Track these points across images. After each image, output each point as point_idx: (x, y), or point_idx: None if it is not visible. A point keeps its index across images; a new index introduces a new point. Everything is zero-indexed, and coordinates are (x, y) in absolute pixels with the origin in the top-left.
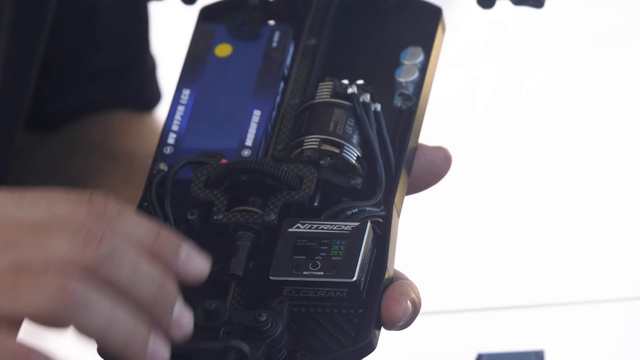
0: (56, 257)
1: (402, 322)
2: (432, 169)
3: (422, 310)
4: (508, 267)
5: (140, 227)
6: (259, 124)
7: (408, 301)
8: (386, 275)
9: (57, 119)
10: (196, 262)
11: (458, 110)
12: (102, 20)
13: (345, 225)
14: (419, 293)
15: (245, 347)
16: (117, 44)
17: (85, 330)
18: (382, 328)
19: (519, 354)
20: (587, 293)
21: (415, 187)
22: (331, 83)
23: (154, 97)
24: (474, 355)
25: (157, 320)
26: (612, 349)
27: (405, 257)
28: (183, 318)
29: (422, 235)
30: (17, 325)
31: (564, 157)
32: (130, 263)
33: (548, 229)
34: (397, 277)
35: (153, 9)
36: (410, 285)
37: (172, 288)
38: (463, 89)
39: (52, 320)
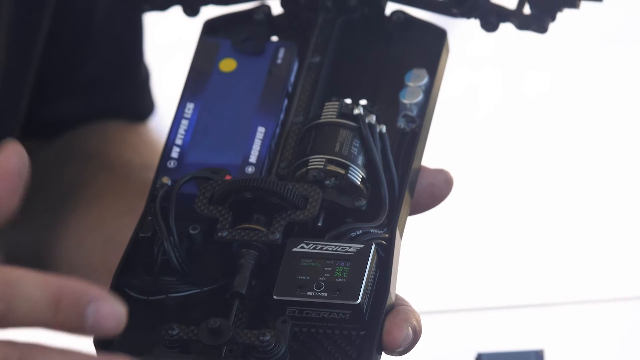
0: None
1: (401, 348)
2: (432, 192)
3: (422, 309)
4: (508, 267)
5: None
6: (263, 140)
7: (409, 328)
8: (388, 298)
9: (51, 128)
10: (106, 318)
11: (463, 112)
12: (96, 30)
13: (350, 247)
14: (420, 320)
15: None
16: (112, 54)
17: None
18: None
19: (518, 353)
20: (586, 293)
21: (415, 209)
22: (337, 103)
23: (148, 107)
24: (474, 355)
25: None
26: (612, 349)
27: (407, 258)
28: None
29: (423, 235)
30: None
31: (566, 158)
32: None
33: (548, 229)
34: (399, 303)
35: (156, 20)
36: (412, 312)
37: None
38: (468, 91)
39: None
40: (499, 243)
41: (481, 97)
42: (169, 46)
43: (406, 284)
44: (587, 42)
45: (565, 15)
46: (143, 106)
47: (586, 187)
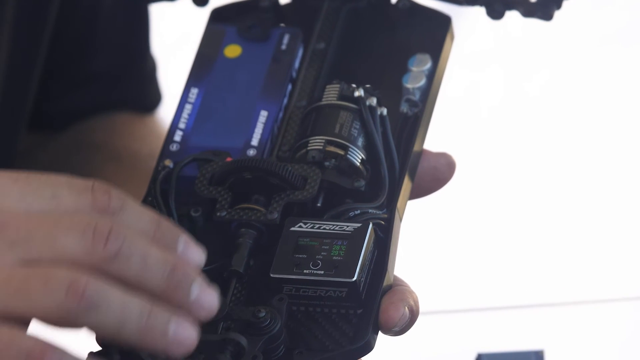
0: (66, 254)
1: (397, 328)
2: (435, 175)
3: (422, 310)
4: (508, 267)
5: (143, 217)
6: (265, 124)
7: (406, 307)
8: (386, 278)
9: (58, 120)
10: (193, 251)
11: (465, 111)
12: (103, 22)
13: (347, 226)
14: (417, 301)
15: (244, 341)
16: (118, 46)
17: (98, 327)
18: (379, 332)
19: (518, 354)
20: (587, 293)
21: (418, 192)
22: (338, 85)
23: (155, 98)
24: (474, 355)
25: (177, 304)
26: (612, 349)
27: (406, 258)
28: (203, 297)
29: (423, 235)
30: (27, 324)
31: (566, 158)
32: (138, 255)
33: (548, 229)
34: (398, 283)
35: (166, 9)
36: (410, 292)
37: (184, 271)
38: (470, 90)
39: (64, 320)
40: (499, 243)
41: (481, 95)
42: (177, 37)
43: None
44: (586, 43)
45: (568, 12)
46: (150, 97)
47: (586, 188)
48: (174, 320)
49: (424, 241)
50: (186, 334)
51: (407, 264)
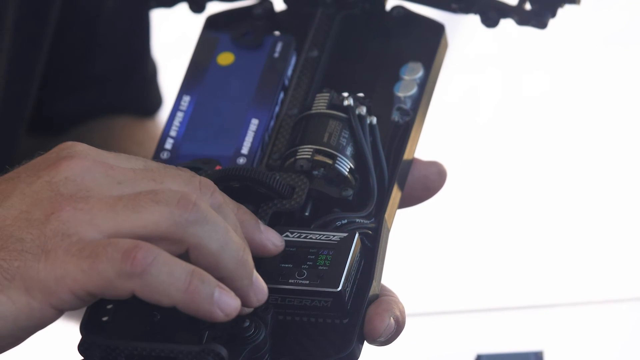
0: (174, 190)
1: (382, 338)
2: (425, 184)
3: (421, 310)
4: (508, 268)
5: (227, 199)
6: (256, 132)
7: (392, 318)
8: (373, 288)
9: (58, 124)
10: (274, 235)
11: (464, 114)
12: (103, 26)
13: (334, 236)
14: (404, 311)
15: (223, 351)
16: (119, 49)
17: (203, 244)
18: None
19: (518, 354)
20: (586, 294)
21: (408, 201)
22: (328, 94)
23: (155, 102)
24: (474, 356)
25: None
26: (611, 350)
27: (406, 258)
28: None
29: (422, 236)
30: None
31: (567, 159)
32: (232, 218)
33: (548, 230)
34: (385, 293)
35: (162, 16)
36: (396, 302)
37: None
38: (469, 93)
39: (173, 233)
40: (498, 244)
41: (482, 98)
42: (175, 44)
43: (406, 285)
44: (587, 44)
45: (566, 15)
46: (150, 101)
47: (586, 188)
48: (219, 286)
49: (424, 242)
50: (230, 301)
51: (407, 265)
